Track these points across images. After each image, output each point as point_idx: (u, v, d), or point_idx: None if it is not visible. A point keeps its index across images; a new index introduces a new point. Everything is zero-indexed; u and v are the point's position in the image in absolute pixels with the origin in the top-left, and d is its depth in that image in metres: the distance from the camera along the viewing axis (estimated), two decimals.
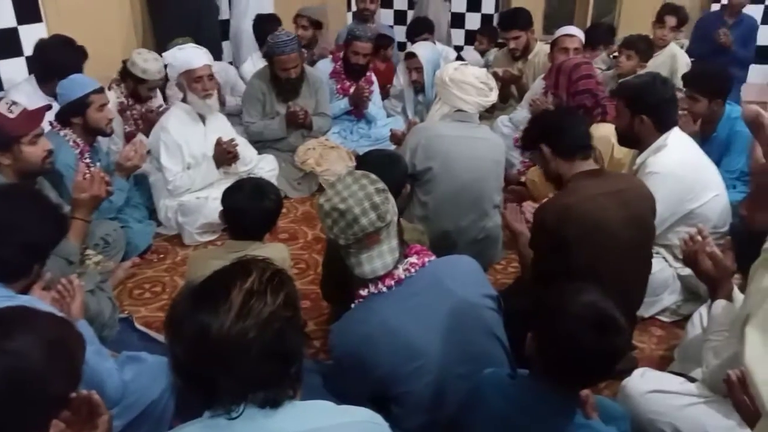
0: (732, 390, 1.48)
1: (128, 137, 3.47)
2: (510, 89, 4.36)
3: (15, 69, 3.46)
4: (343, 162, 3.82)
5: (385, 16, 6.68)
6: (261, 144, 3.80)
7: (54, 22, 3.59)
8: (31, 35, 3.43)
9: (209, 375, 0.98)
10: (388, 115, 4.42)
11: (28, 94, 3.05)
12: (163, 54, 3.31)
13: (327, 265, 2.31)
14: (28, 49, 3.41)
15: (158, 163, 3.18)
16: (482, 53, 5.28)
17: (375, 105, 4.28)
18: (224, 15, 4.86)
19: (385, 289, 1.56)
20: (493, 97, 2.77)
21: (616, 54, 4.20)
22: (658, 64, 4.22)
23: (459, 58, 4.74)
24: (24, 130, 2.07)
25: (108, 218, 2.79)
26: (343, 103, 4.19)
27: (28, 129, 2.08)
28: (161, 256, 3.05)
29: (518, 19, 4.35)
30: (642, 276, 2.10)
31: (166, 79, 3.54)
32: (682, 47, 4.60)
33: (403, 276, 1.57)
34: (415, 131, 2.73)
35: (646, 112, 2.37)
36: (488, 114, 3.91)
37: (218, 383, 0.98)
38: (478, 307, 1.60)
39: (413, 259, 1.60)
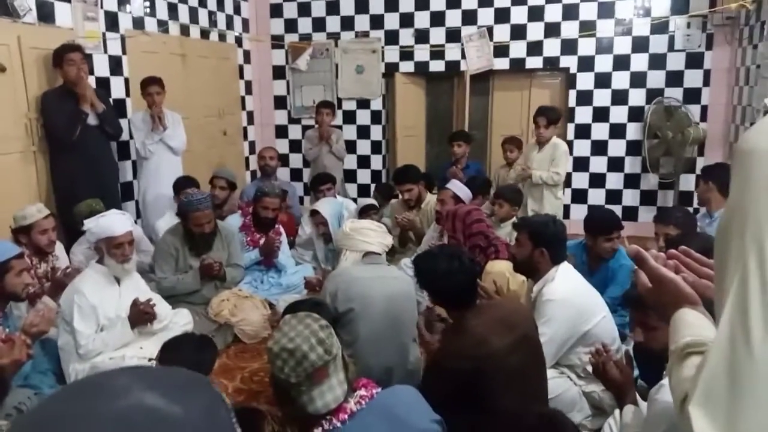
0: None
1: (31, 298, 3.35)
2: (408, 234, 4.77)
3: None
4: (258, 311, 3.88)
5: (282, 174, 7.12)
6: (173, 298, 3.79)
7: None
8: None
9: None
10: (297, 263, 4.61)
11: None
12: (85, 221, 3.27)
13: None
14: None
15: (69, 326, 3.08)
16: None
17: (284, 254, 4.48)
18: (127, 177, 5.10)
19: (339, 425, 1.63)
20: (390, 238, 3.12)
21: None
22: (544, 156, 5.11)
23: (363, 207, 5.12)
24: None
25: (17, 386, 2.64)
26: (254, 254, 4.34)
27: None
28: None
29: (409, 174, 4.88)
30: None
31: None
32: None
33: (355, 409, 1.66)
34: (331, 278, 2.93)
35: (545, 245, 2.76)
36: (389, 257, 4.23)
37: None
38: None
39: (362, 392, 1.72)
